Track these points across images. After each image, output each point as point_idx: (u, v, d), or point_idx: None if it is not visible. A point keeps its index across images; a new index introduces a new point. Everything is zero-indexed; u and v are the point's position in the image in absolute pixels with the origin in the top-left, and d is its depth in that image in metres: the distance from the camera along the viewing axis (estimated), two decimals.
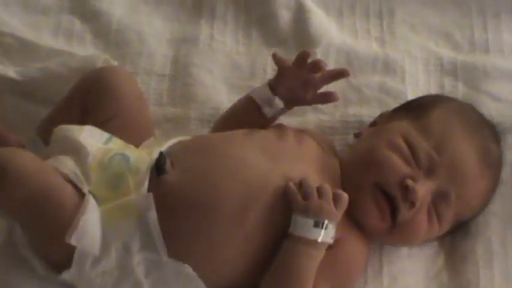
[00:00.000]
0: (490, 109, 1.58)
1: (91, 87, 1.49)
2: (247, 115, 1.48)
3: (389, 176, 1.36)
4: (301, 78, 1.44)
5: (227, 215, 1.31)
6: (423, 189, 1.36)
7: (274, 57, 1.47)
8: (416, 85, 1.63)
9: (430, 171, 1.38)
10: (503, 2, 1.78)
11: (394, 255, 1.44)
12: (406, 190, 1.35)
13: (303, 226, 1.30)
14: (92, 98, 1.48)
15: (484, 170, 1.41)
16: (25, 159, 1.32)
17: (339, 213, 1.32)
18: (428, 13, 1.79)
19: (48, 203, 1.30)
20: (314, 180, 1.34)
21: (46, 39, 1.71)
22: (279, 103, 1.46)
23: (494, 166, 1.45)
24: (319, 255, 1.31)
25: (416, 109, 1.46)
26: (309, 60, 1.43)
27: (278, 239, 1.32)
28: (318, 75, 1.44)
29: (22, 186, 1.29)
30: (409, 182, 1.35)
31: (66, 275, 1.31)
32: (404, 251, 1.45)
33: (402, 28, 1.76)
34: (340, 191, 1.33)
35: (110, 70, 1.54)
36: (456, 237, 1.47)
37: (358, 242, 1.39)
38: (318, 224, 1.30)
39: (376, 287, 1.41)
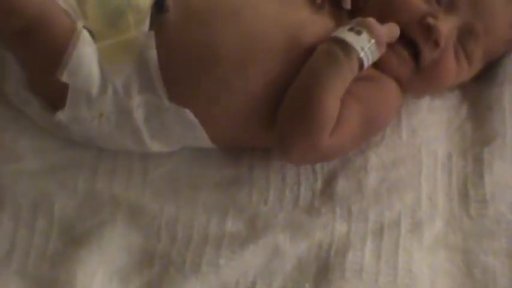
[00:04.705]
0: None
1: None
2: None
3: (407, 16, 1.28)
4: None
5: (226, 61, 1.23)
6: (446, 25, 1.28)
7: None
8: None
9: (451, 7, 1.29)
10: None
11: (413, 107, 1.36)
12: (427, 29, 1.27)
13: (339, 31, 1.23)
14: None
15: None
16: None
17: (383, 30, 1.23)
18: None
19: (41, 31, 1.22)
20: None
21: None
22: None
23: None
24: (348, 64, 1.21)
25: None
26: None
27: (281, 97, 1.24)
28: None
29: (19, 14, 1.21)
30: (430, 19, 1.27)
31: (61, 115, 1.25)
32: (425, 102, 1.36)
33: None
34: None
35: None
36: (481, 85, 1.39)
37: (394, 85, 1.30)
38: (353, 29, 1.22)
39: (395, 141, 1.33)
